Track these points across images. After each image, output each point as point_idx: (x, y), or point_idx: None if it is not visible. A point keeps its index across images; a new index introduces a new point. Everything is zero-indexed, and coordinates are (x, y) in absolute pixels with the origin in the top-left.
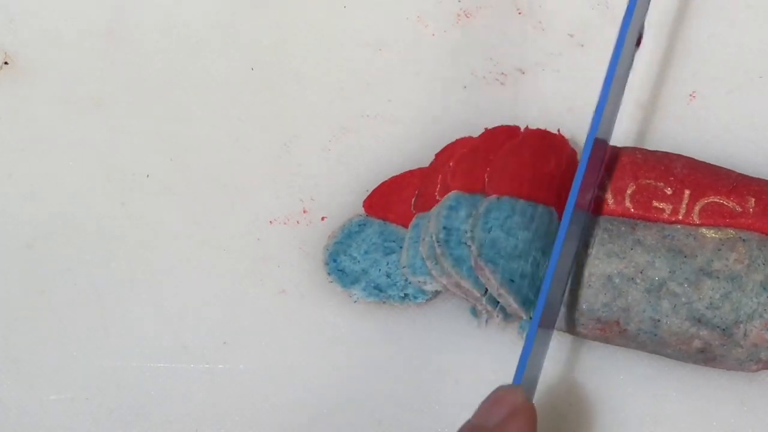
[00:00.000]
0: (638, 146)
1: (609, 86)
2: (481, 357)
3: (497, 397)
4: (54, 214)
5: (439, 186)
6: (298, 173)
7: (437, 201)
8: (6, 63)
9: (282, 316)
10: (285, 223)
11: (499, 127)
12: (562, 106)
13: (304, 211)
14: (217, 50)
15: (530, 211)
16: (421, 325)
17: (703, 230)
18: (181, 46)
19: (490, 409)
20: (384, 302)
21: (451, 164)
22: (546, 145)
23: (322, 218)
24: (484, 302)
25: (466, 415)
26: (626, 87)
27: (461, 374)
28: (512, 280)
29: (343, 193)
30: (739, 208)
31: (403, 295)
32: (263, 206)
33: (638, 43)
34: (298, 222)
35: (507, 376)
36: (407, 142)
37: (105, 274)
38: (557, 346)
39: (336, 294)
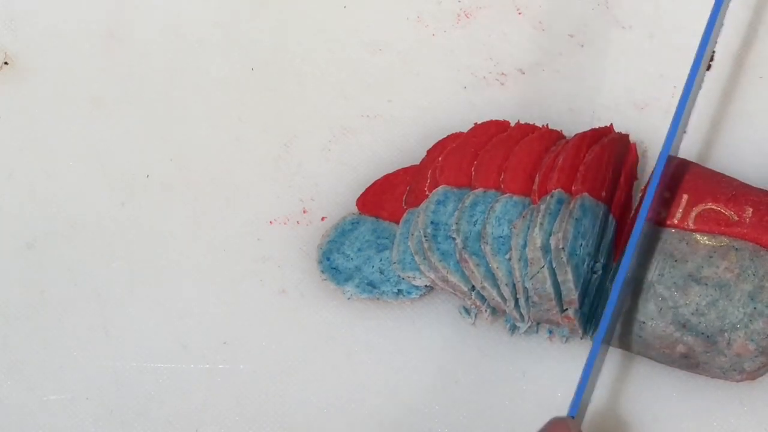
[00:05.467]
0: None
1: (684, 106)
2: (481, 357)
3: (550, 429)
4: (54, 214)
5: (428, 181)
6: (298, 173)
7: (427, 196)
8: (6, 63)
9: (282, 316)
10: (285, 223)
11: (488, 121)
12: (562, 106)
13: (304, 211)
14: (217, 50)
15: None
16: (420, 325)
17: (697, 236)
18: (181, 46)
19: None
20: (378, 298)
21: (440, 159)
22: (535, 137)
23: (322, 218)
24: (472, 297)
25: (466, 415)
26: (626, 88)
27: (461, 374)
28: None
29: (344, 194)
30: (735, 217)
31: (396, 291)
32: (263, 206)
33: (708, 66)
34: (298, 222)
35: (507, 377)
36: (407, 142)
37: (105, 274)
38: (555, 345)
39: (336, 294)
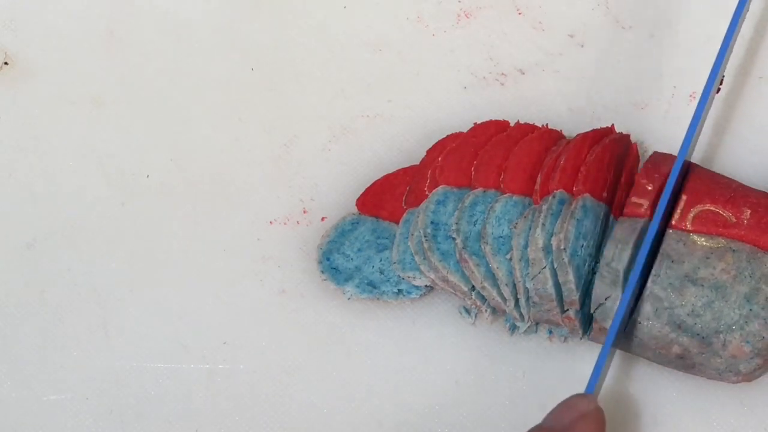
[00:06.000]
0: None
1: (695, 128)
2: (481, 357)
3: (569, 403)
4: (54, 214)
5: (428, 181)
6: (298, 173)
7: (427, 196)
8: (6, 63)
9: (282, 316)
10: (285, 223)
11: (488, 121)
12: (562, 106)
13: (304, 212)
14: (217, 50)
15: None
16: (420, 325)
17: (694, 237)
18: (181, 46)
19: (561, 413)
20: (378, 298)
21: (439, 159)
22: (535, 137)
23: (322, 219)
24: (472, 297)
25: (466, 415)
26: (626, 88)
27: (461, 374)
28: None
29: (344, 194)
30: (733, 219)
31: (396, 290)
32: (263, 206)
33: (718, 90)
34: (298, 222)
35: (507, 377)
36: (407, 142)
37: (105, 274)
38: (555, 345)
39: (336, 294)
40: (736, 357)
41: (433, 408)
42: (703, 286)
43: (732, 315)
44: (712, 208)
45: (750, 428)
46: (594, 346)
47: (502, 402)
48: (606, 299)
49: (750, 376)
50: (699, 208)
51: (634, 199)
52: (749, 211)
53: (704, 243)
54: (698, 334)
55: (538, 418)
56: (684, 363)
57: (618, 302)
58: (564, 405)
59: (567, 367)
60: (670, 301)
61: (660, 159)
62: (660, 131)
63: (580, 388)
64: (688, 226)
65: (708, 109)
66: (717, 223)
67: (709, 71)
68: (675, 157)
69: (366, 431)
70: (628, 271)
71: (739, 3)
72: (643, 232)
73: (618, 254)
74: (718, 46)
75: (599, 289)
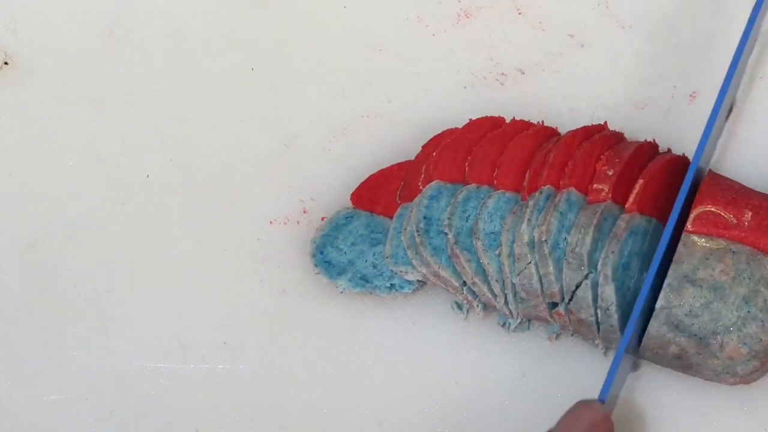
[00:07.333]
0: None
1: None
2: (481, 357)
3: (577, 412)
4: (54, 214)
5: (422, 176)
6: (298, 173)
7: (421, 191)
8: (6, 63)
9: (282, 316)
10: (285, 223)
11: (483, 117)
12: (562, 106)
13: (304, 212)
14: (217, 50)
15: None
16: (420, 326)
17: (695, 238)
18: (181, 46)
19: (570, 424)
20: (371, 293)
21: (434, 154)
22: (529, 134)
23: (322, 218)
24: (464, 292)
25: (466, 415)
26: (626, 88)
27: (461, 374)
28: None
29: (344, 194)
30: (734, 220)
31: (389, 285)
32: (263, 206)
33: (728, 116)
34: (298, 222)
35: (507, 377)
36: (407, 142)
37: (105, 274)
38: (554, 345)
39: (336, 294)
40: (733, 359)
41: (433, 408)
42: (701, 286)
43: (730, 316)
44: (713, 209)
45: (750, 428)
46: (593, 348)
47: (502, 402)
48: (577, 287)
49: (747, 379)
50: (700, 209)
51: (595, 185)
52: (750, 213)
53: (704, 244)
54: (696, 335)
55: (537, 418)
56: (681, 363)
57: (589, 291)
58: (570, 415)
59: (566, 367)
60: (669, 300)
61: (623, 146)
62: (660, 131)
63: (580, 388)
64: (689, 227)
65: (723, 115)
66: (718, 225)
67: (723, 76)
68: (636, 143)
69: (366, 431)
70: (591, 254)
71: (755, 6)
72: (604, 215)
73: (581, 239)
74: (718, 46)
75: (568, 277)
